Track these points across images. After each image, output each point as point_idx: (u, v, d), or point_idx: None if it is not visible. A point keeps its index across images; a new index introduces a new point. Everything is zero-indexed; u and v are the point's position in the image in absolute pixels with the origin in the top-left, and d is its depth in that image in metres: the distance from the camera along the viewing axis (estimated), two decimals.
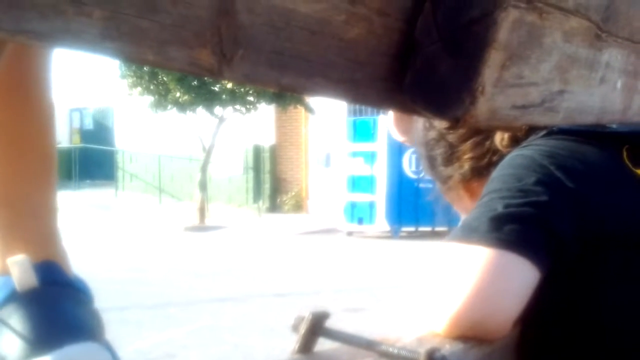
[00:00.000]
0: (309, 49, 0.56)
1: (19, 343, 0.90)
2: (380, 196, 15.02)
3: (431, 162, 1.40)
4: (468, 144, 1.31)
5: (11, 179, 1.00)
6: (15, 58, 0.93)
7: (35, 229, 1.01)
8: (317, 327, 0.84)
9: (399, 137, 1.55)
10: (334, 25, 0.58)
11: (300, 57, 0.56)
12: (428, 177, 1.47)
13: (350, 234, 15.37)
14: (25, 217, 1.00)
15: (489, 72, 0.65)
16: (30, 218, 1.01)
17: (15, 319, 0.92)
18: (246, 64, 0.51)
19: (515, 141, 1.19)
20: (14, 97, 0.98)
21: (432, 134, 1.37)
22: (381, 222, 15.08)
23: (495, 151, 1.26)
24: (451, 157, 1.35)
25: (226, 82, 15.61)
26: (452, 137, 1.34)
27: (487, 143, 1.27)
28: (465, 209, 1.37)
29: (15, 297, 0.94)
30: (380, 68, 0.65)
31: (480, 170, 1.29)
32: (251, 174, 21.30)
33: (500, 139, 1.24)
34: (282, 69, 0.54)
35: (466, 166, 1.32)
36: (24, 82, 0.99)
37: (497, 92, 0.67)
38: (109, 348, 0.95)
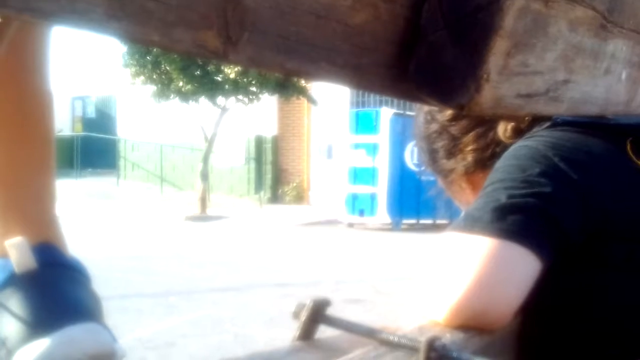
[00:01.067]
0: (315, 34, 0.56)
1: (19, 325, 0.90)
2: (381, 188, 15.02)
3: (432, 155, 1.39)
4: (471, 136, 1.31)
5: (10, 162, 1.00)
6: (15, 46, 0.93)
7: (34, 211, 1.01)
8: (317, 315, 0.84)
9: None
10: (339, 10, 0.58)
11: (306, 42, 0.56)
12: (428, 170, 1.46)
13: (351, 225, 15.38)
14: (24, 200, 1.00)
15: (494, 60, 0.64)
16: (28, 201, 1.01)
17: (15, 301, 0.92)
18: (251, 47, 0.51)
19: (518, 133, 1.19)
20: (13, 84, 0.98)
21: (434, 127, 1.37)
22: (382, 214, 15.09)
23: (498, 142, 1.25)
24: (454, 149, 1.34)
25: (229, 72, 15.65)
26: (454, 129, 1.33)
27: (491, 134, 1.27)
28: (467, 203, 1.37)
29: (14, 279, 0.94)
30: (386, 54, 0.65)
31: (484, 162, 1.28)
32: (253, 165, 21.30)
33: (503, 130, 1.23)
34: (287, 53, 0.54)
35: (469, 158, 1.32)
36: (23, 69, 0.99)
37: (502, 80, 0.67)
38: (106, 329, 0.95)
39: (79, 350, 0.89)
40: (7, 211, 1.00)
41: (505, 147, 1.15)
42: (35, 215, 1.01)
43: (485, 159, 1.28)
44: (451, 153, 1.35)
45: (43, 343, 0.88)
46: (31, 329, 0.89)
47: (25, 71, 1.00)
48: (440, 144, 1.36)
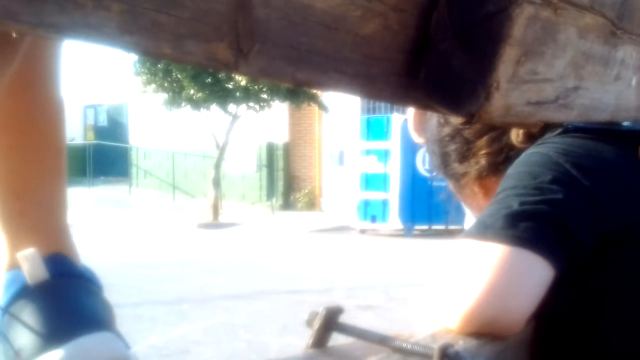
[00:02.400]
0: (325, 44, 0.56)
1: (32, 336, 0.91)
2: (393, 194, 15.01)
3: (444, 159, 1.39)
4: (484, 140, 1.30)
5: (22, 170, 1.00)
6: (26, 55, 0.94)
7: (45, 221, 1.01)
8: (331, 322, 0.84)
9: (418, 139, 1.54)
10: (350, 21, 0.58)
11: (316, 52, 0.56)
12: (439, 175, 1.46)
13: (363, 231, 15.37)
14: (35, 210, 1.01)
15: (504, 68, 0.65)
16: (39, 211, 1.01)
17: (28, 312, 0.92)
18: (262, 58, 0.51)
19: (530, 137, 1.19)
20: (25, 92, 0.98)
21: (447, 130, 1.36)
22: (394, 220, 15.08)
23: (512, 147, 1.25)
24: (467, 152, 1.34)
25: (240, 79, 15.69)
26: (468, 132, 1.33)
27: (504, 138, 1.27)
28: (478, 207, 1.37)
29: (26, 291, 0.94)
30: (396, 63, 0.65)
31: (497, 166, 1.28)
32: (265, 172, 21.32)
33: (515, 135, 1.23)
34: (298, 64, 0.55)
35: (482, 161, 1.31)
36: (35, 78, 1.00)
37: (512, 88, 0.67)
38: (120, 338, 0.96)
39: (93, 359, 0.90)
40: (19, 221, 1.00)
41: (519, 151, 1.15)
42: (46, 225, 1.02)
43: (499, 163, 1.28)
44: (464, 157, 1.35)
45: (57, 354, 0.88)
46: (45, 340, 0.90)
47: (37, 79, 1.00)
48: (452, 147, 1.36)
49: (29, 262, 0.94)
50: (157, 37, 0.45)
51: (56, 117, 1.04)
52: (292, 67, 0.54)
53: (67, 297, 0.95)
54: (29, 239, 0.98)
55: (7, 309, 0.94)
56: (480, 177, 1.33)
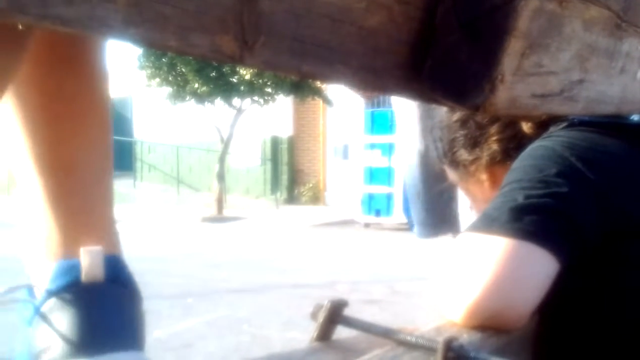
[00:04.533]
0: (330, 37, 0.56)
1: (70, 333, 0.89)
2: (397, 188, 14.99)
3: (452, 144, 1.38)
4: (497, 125, 1.30)
5: (71, 142, 0.97)
6: (75, 52, 0.93)
7: (107, 217, 0.99)
8: (335, 316, 0.84)
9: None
10: (354, 13, 0.58)
11: (321, 45, 0.56)
12: (442, 164, 1.45)
13: (367, 225, 15.36)
14: (86, 188, 0.98)
15: (509, 61, 0.65)
16: (90, 189, 0.98)
17: (74, 309, 0.90)
18: (267, 50, 0.51)
19: (540, 126, 1.18)
20: (70, 62, 0.96)
21: (457, 116, 1.35)
22: (398, 214, 15.06)
23: (525, 132, 1.24)
24: (479, 138, 1.33)
25: (245, 73, 15.67)
26: (480, 117, 1.32)
27: (518, 125, 1.26)
28: (482, 198, 1.37)
29: (78, 287, 0.91)
30: (400, 56, 0.65)
31: (509, 152, 1.27)
32: (269, 165, 21.31)
33: (525, 123, 1.23)
34: (302, 56, 0.55)
35: (495, 147, 1.31)
36: (80, 49, 0.98)
37: (517, 80, 0.67)
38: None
39: None
40: (68, 202, 0.96)
41: (532, 137, 1.14)
42: (108, 222, 0.99)
43: (512, 149, 1.27)
44: (476, 142, 1.34)
45: None
46: (81, 344, 0.88)
47: (86, 75, 0.99)
48: (463, 132, 1.36)
49: (91, 260, 0.92)
50: (162, 29, 0.45)
51: (101, 90, 1.02)
52: (297, 59, 0.54)
53: (114, 307, 0.93)
54: (81, 223, 0.95)
55: (57, 294, 0.92)
56: (492, 163, 1.32)
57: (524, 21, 0.65)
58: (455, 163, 1.40)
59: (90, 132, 0.99)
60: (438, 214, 2.25)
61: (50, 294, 0.91)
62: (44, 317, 0.91)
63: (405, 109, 2.19)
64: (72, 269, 0.93)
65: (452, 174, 1.44)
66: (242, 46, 0.49)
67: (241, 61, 0.50)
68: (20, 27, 0.39)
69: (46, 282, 0.93)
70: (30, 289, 0.94)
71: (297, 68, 0.55)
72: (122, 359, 0.89)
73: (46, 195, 0.97)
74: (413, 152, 2.19)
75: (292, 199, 20.90)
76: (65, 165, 0.97)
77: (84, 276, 0.92)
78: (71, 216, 0.96)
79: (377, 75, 0.63)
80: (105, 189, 1.01)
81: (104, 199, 1.01)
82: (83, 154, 0.98)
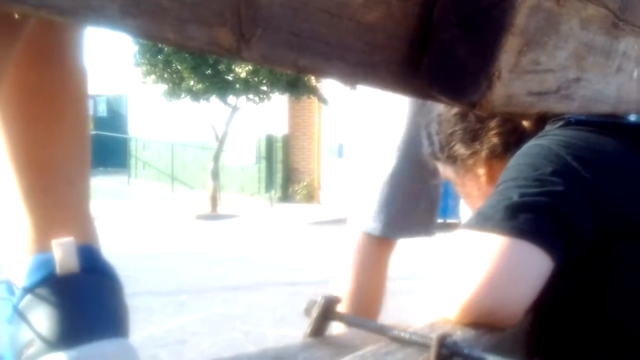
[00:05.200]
0: (327, 31, 0.56)
1: (50, 330, 0.89)
2: None
3: (449, 139, 1.38)
4: (498, 119, 1.29)
5: (46, 142, 0.97)
6: (49, 25, 0.92)
7: (71, 200, 0.98)
8: (329, 312, 0.84)
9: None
10: (352, 8, 0.58)
11: (319, 39, 0.56)
12: (434, 160, 1.45)
13: None
14: (61, 185, 0.97)
15: (506, 58, 0.65)
16: (65, 186, 0.98)
17: (50, 303, 0.90)
18: (264, 44, 0.51)
19: (539, 121, 1.18)
20: (48, 59, 0.95)
21: (456, 109, 1.35)
22: None
23: (524, 129, 1.24)
24: (479, 131, 1.33)
25: (240, 71, 15.65)
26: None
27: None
28: (477, 195, 1.37)
29: (53, 279, 0.91)
30: (398, 52, 0.65)
31: (509, 146, 1.27)
32: (264, 164, 21.30)
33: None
34: (300, 51, 0.54)
35: (495, 140, 1.30)
36: (57, 48, 0.98)
37: (514, 77, 0.67)
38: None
39: None
40: (43, 199, 0.96)
41: (532, 132, 1.14)
42: (76, 211, 0.99)
43: (511, 143, 1.27)
44: (476, 135, 1.34)
45: (73, 354, 0.87)
46: (63, 336, 0.88)
47: (59, 48, 0.98)
48: (462, 125, 1.35)
49: (63, 251, 0.91)
50: (159, 21, 0.45)
51: (79, 87, 1.01)
52: (294, 53, 0.54)
53: (91, 296, 0.92)
54: (55, 219, 0.95)
55: (32, 290, 0.92)
56: (492, 157, 1.32)
57: (521, 18, 0.65)
58: (452, 158, 1.40)
59: (66, 129, 0.99)
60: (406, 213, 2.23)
61: (26, 290, 0.91)
62: (21, 315, 0.90)
63: (384, 105, 2.17)
64: (46, 263, 0.92)
65: (447, 170, 1.44)
66: (239, 39, 0.49)
67: (238, 54, 0.50)
68: (16, 16, 0.39)
69: (22, 278, 0.92)
70: (9, 286, 0.94)
71: (294, 62, 0.55)
72: (104, 348, 0.88)
73: (21, 192, 0.97)
74: (392, 149, 2.17)
75: (286, 197, 20.89)
76: (40, 163, 0.97)
77: (58, 268, 0.91)
78: (46, 212, 0.96)
79: (375, 71, 0.63)
80: (82, 186, 1.01)
81: (80, 196, 1.01)
82: (58, 152, 0.98)
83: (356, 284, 2.40)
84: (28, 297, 0.91)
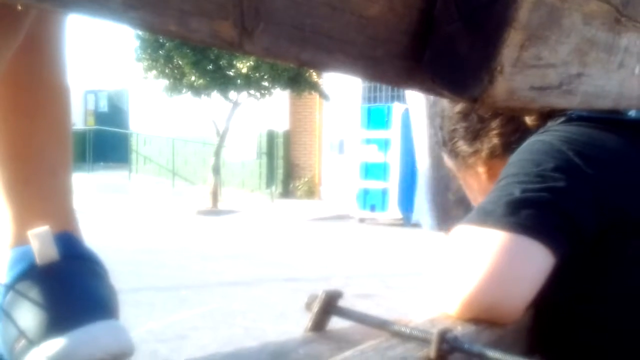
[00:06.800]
0: (330, 25, 0.56)
1: (39, 319, 0.89)
2: (393, 183, 15.00)
3: (452, 135, 1.38)
4: (499, 119, 1.30)
5: (28, 133, 0.98)
6: (32, 39, 0.92)
7: (52, 191, 0.99)
8: (330, 306, 0.84)
9: None
10: (354, 2, 0.58)
11: (321, 33, 0.56)
12: (443, 152, 1.45)
13: (362, 220, 15.36)
14: (42, 176, 0.98)
15: (508, 52, 0.64)
16: (46, 178, 0.98)
17: (35, 294, 0.90)
18: (267, 37, 0.51)
19: (543, 116, 1.18)
20: (29, 51, 0.95)
21: (459, 107, 1.35)
22: (393, 209, 15.07)
23: (526, 127, 1.24)
24: (480, 131, 1.33)
25: (241, 66, 15.63)
26: (482, 111, 1.32)
27: (519, 119, 1.26)
28: (479, 190, 1.37)
29: (34, 271, 0.92)
30: (400, 46, 0.65)
31: (509, 146, 1.27)
32: (264, 159, 21.30)
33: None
34: (302, 44, 0.54)
35: (495, 140, 1.31)
36: (40, 62, 0.98)
37: (516, 72, 0.67)
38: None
39: (101, 349, 0.88)
40: (23, 190, 0.97)
41: (533, 132, 1.14)
42: (53, 196, 0.99)
43: (512, 143, 1.27)
44: (476, 135, 1.34)
45: (64, 340, 0.87)
46: (51, 325, 0.88)
47: (42, 64, 0.99)
48: (464, 124, 1.36)
49: (40, 241, 0.92)
50: (162, 13, 0.45)
51: (60, 79, 1.01)
52: (297, 47, 0.54)
53: (75, 281, 0.93)
54: (35, 211, 0.95)
55: (13, 286, 0.92)
56: (492, 156, 1.32)
57: (524, 13, 0.64)
58: (454, 153, 1.40)
59: (48, 121, 1.00)
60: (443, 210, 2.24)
61: (8, 287, 0.92)
62: (6, 313, 0.91)
63: (415, 104, 2.19)
64: (25, 255, 0.93)
65: (450, 163, 1.44)
66: (241, 32, 0.49)
67: (240, 47, 0.50)
68: (19, 7, 0.39)
69: (5, 273, 0.93)
70: None
71: (297, 56, 0.55)
72: (94, 330, 0.88)
73: (2, 184, 0.97)
74: (424, 148, 2.18)
75: (287, 193, 20.89)
76: (21, 154, 0.98)
77: (37, 259, 0.92)
78: (27, 204, 0.97)
79: (377, 65, 0.63)
80: (63, 178, 1.02)
81: (61, 188, 1.01)
82: (40, 143, 0.99)
83: None
84: (11, 293, 0.91)
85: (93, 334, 0.88)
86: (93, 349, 0.87)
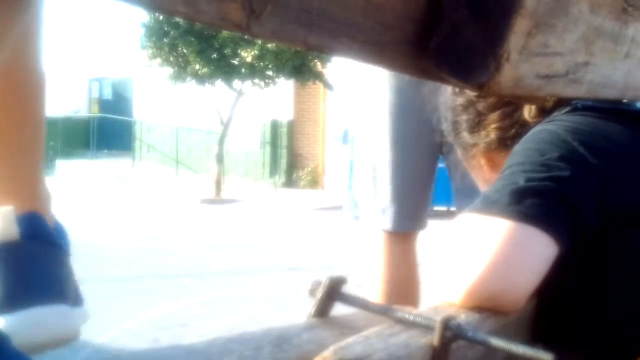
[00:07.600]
0: (337, 9, 0.56)
1: None
2: None
3: (455, 127, 1.40)
4: (497, 114, 1.30)
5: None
6: (5, 27, 0.92)
7: (20, 165, 0.98)
8: (333, 292, 0.84)
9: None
10: None
11: (328, 17, 0.56)
12: (450, 140, 1.46)
13: None
14: (9, 155, 0.98)
15: (515, 39, 0.64)
16: (17, 154, 0.98)
17: None
18: (274, 20, 0.51)
19: (542, 112, 1.18)
20: (5, 66, 0.96)
21: (461, 100, 1.36)
22: None
23: (522, 124, 1.25)
24: (478, 125, 1.34)
25: (246, 55, 15.60)
26: (481, 105, 1.33)
27: (516, 115, 1.27)
28: (483, 179, 1.37)
29: None
30: (407, 32, 0.65)
31: (506, 141, 1.28)
32: (268, 149, 21.30)
33: (528, 109, 1.23)
34: (309, 28, 0.54)
35: (492, 135, 1.31)
36: (13, 49, 0.97)
37: (522, 59, 0.67)
38: (78, 302, 0.94)
39: (43, 332, 0.88)
40: (7, 180, 0.97)
41: (530, 128, 1.14)
42: (24, 184, 0.99)
43: (508, 138, 1.28)
44: (475, 128, 1.35)
45: (8, 319, 0.87)
46: (1, 303, 0.89)
47: (13, 50, 0.98)
48: (464, 117, 1.37)
49: (2, 220, 0.92)
50: None
51: (36, 89, 1.01)
52: (304, 30, 0.54)
53: (30, 263, 0.93)
54: (1, 190, 0.96)
55: None
56: (489, 150, 1.33)
57: (531, 0, 0.64)
58: (458, 144, 1.41)
59: (19, 100, 0.99)
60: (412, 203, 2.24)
61: None
62: None
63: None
64: None
65: (458, 153, 1.45)
66: (249, 14, 0.49)
67: (248, 30, 0.50)
68: None
69: None
70: None
71: (303, 39, 0.55)
72: (40, 313, 0.89)
73: None
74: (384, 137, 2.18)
75: (290, 182, 20.89)
76: None
77: None
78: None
79: (383, 51, 0.63)
80: (32, 159, 1.02)
81: (30, 169, 1.01)
82: (6, 126, 0.98)
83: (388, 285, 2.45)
84: None
85: (38, 317, 0.88)
86: (36, 331, 0.88)
